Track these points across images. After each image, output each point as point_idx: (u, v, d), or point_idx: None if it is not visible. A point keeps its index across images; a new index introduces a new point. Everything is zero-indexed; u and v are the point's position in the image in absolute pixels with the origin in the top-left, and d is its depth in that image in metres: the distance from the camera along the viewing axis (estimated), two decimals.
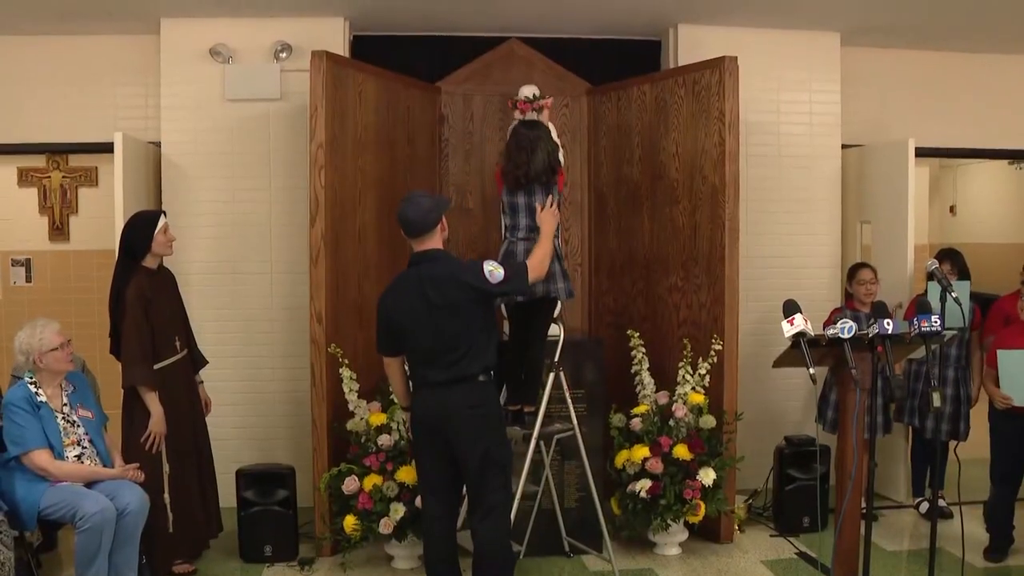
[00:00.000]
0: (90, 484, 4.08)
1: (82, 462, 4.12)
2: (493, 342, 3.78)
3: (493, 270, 3.73)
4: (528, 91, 4.71)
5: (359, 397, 4.69)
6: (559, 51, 5.84)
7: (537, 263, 3.95)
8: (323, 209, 4.73)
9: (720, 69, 4.96)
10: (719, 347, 4.87)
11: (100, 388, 4.99)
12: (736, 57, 4.95)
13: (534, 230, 4.34)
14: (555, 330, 4.61)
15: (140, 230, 4.40)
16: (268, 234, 5.61)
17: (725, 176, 4.94)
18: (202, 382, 4.77)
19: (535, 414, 4.42)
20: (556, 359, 4.52)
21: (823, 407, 5.38)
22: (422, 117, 5.55)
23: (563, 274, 4.42)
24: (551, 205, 4.31)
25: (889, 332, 3.51)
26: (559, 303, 4.53)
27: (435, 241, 3.77)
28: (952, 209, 10.41)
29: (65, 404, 4.18)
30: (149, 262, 4.42)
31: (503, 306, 4.55)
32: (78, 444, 4.14)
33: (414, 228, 3.74)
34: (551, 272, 4.27)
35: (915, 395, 5.36)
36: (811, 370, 3.39)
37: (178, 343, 4.50)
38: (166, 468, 4.37)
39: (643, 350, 5.00)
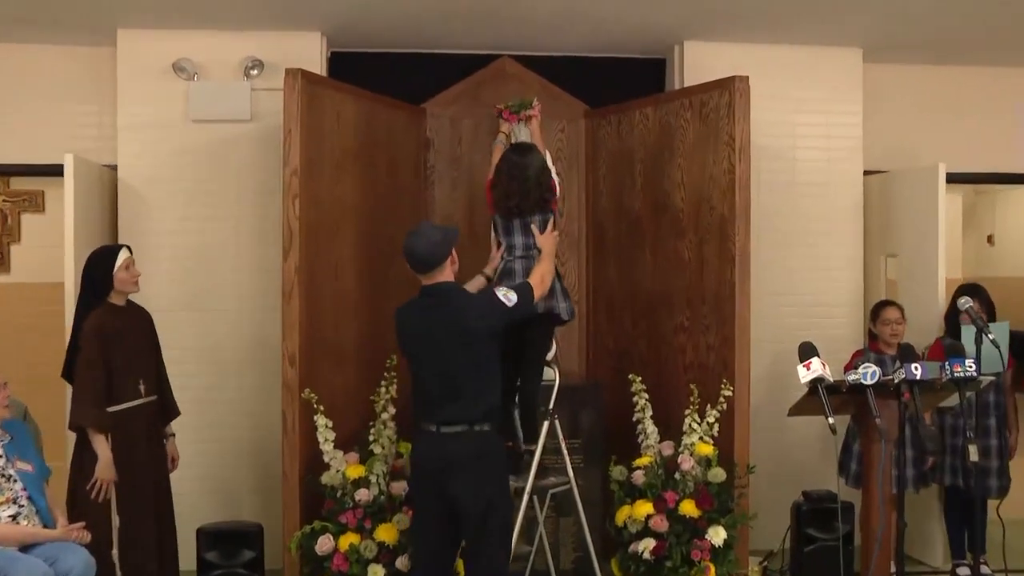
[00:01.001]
0: (27, 547, 3.97)
1: (18, 522, 4.04)
2: (498, 382, 3.90)
3: (507, 293, 3.92)
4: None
5: (335, 447, 4.69)
6: (555, 70, 5.91)
7: (539, 281, 4.16)
8: (297, 241, 4.75)
9: (730, 90, 5.00)
10: (729, 393, 4.88)
11: (43, 436, 4.97)
12: (747, 76, 5.00)
13: (532, 248, 4.53)
14: (550, 374, 4.65)
15: (98, 268, 4.44)
16: (236, 268, 5.63)
17: (735, 206, 4.98)
18: (172, 435, 4.79)
19: (532, 453, 4.46)
20: (551, 406, 4.54)
21: (845, 459, 5.37)
22: (406, 141, 5.59)
23: (564, 292, 4.56)
24: (551, 230, 4.49)
25: (917, 377, 3.51)
26: (551, 326, 4.62)
27: (445, 275, 3.90)
28: (990, 239, 10.38)
29: (0, 456, 4.14)
30: (115, 299, 4.47)
31: None
32: (14, 502, 4.07)
33: (423, 264, 3.86)
34: (552, 289, 4.43)
35: (951, 452, 5.29)
36: (831, 419, 3.41)
37: (143, 387, 4.50)
38: (116, 521, 4.32)
39: (646, 396, 5.00)
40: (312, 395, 4.64)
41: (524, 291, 4.02)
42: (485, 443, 3.83)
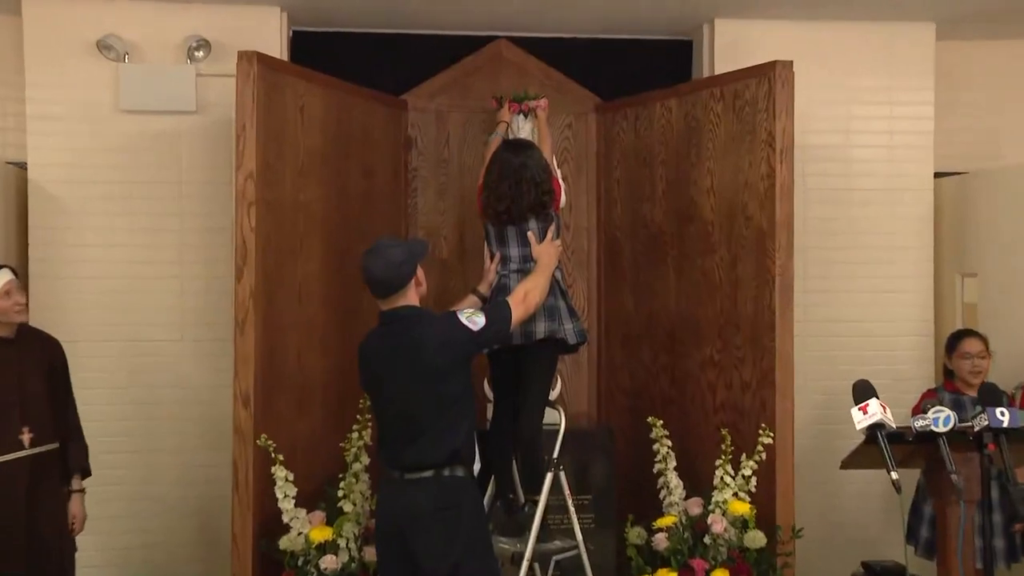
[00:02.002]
0: None
1: None
2: (466, 418, 3.96)
3: (471, 315, 3.96)
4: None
5: (297, 505, 4.65)
6: (560, 55, 5.97)
7: (520, 298, 4.19)
8: (253, 258, 4.73)
9: (769, 77, 4.99)
10: (769, 440, 4.86)
11: None
12: (791, 61, 5.00)
13: (530, 259, 4.58)
14: (554, 417, 4.69)
15: None
16: (177, 290, 5.61)
17: (775, 216, 4.97)
18: (79, 491, 4.78)
19: (535, 505, 4.48)
20: (554, 454, 4.55)
21: (914, 523, 5.32)
22: (384, 140, 5.61)
23: (570, 312, 4.61)
24: (551, 238, 4.55)
25: (1004, 424, 3.45)
26: (555, 354, 4.67)
27: (408, 298, 3.97)
28: None
29: None
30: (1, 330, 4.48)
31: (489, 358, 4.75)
32: None
33: (382, 287, 3.93)
34: (555, 309, 4.53)
35: None
36: (894, 474, 3.37)
37: (27, 436, 4.48)
38: None
39: (668, 443, 5.01)
40: (269, 442, 4.61)
41: (496, 312, 4.08)
42: (453, 491, 3.89)
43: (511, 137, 5.21)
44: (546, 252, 4.52)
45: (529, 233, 4.59)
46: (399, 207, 5.72)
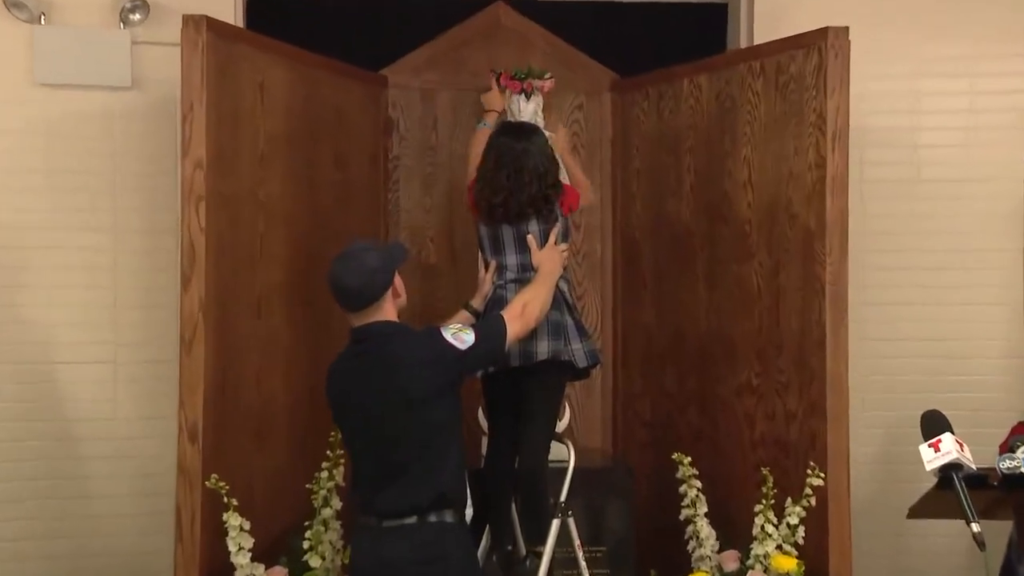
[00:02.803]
0: None
1: None
2: (455, 454, 3.97)
3: (457, 332, 3.99)
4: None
5: (254, 560, 4.63)
6: (569, 23, 5.99)
7: (518, 312, 4.20)
8: (203, 264, 4.71)
9: (820, 47, 4.96)
10: (819, 482, 4.79)
11: None
12: (846, 28, 4.96)
13: (530, 268, 4.61)
14: (562, 452, 4.69)
15: None
16: (111, 302, 5.59)
17: (826, 214, 4.95)
18: None
19: (537, 558, 4.49)
20: (562, 498, 4.56)
21: None
22: (360, 123, 5.63)
23: (579, 329, 4.67)
24: (555, 242, 4.61)
25: None
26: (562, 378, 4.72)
27: (384, 312, 3.98)
28: None
29: None
30: None
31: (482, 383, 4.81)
32: None
33: (354, 299, 3.96)
34: (560, 325, 4.57)
35: None
36: (975, 527, 3.32)
37: None
38: None
39: (698, 485, 4.97)
40: (221, 484, 4.55)
41: (488, 328, 4.13)
42: (440, 540, 3.89)
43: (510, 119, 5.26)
44: (548, 258, 4.55)
45: (529, 237, 4.61)
46: (377, 203, 5.75)
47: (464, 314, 4.70)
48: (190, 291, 4.71)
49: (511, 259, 4.66)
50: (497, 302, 4.58)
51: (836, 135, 4.93)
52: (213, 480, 4.56)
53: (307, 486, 4.78)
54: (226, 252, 4.84)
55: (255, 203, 5.01)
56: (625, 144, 5.88)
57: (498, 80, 5.40)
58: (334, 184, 5.44)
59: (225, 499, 4.55)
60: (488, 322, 4.20)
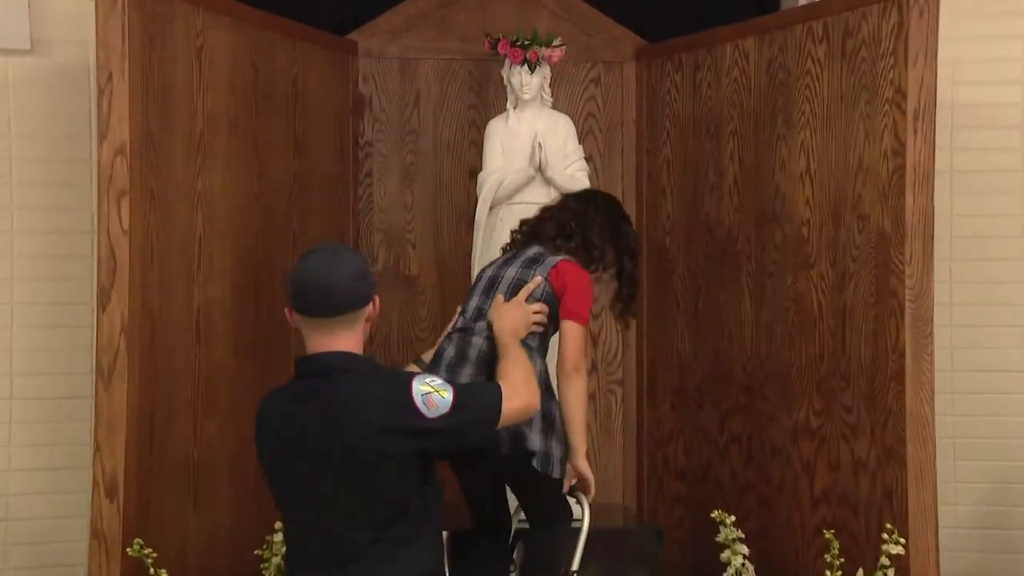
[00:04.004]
0: None
1: None
2: (423, 532, 3.76)
3: (431, 392, 3.71)
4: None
5: None
6: None
7: (520, 381, 4.03)
8: (125, 276, 4.67)
9: (899, 4, 4.93)
10: (899, 549, 4.72)
11: None
12: None
13: (484, 317, 4.56)
14: (575, 511, 4.69)
15: None
16: (6, 321, 5.58)
17: (905, 215, 4.93)
18: None
19: None
20: (574, 567, 4.52)
21: None
22: (322, 99, 5.67)
23: (544, 425, 4.46)
24: (526, 298, 4.48)
25: None
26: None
27: (352, 335, 3.78)
28: None
29: None
30: None
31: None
32: None
33: (329, 301, 3.71)
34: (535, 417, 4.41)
35: None
36: None
37: None
38: None
39: (744, 551, 4.97)
40: (147, 551, 4.52)
41: (475, 395, 3.92)
42: None
43: (515, 94, 5.41)
44: (507, 315, 4.42)
45: (510, 268, 4.59)
46: (346, 199, 5.81)
47: (414, 369, 4.61)
48: (110, 309, 4.66)
49: (474, 300, 4.60)
50: (437, 357, 4.55)
51: (920, 115, 4.90)
52: (137, 547, 4.51)
53: (255, 552, 4.78)
54: (155, 261, 4.81)
55: (192, 199, 5.01)
56: (652, 127, 5.92)
57: (495, 47, 5.44)
58: (291, 176, 5.46)
59: (152, 570, 4.49)
60: (478, 392, 3.98)
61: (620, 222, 4.75)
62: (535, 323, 4.49)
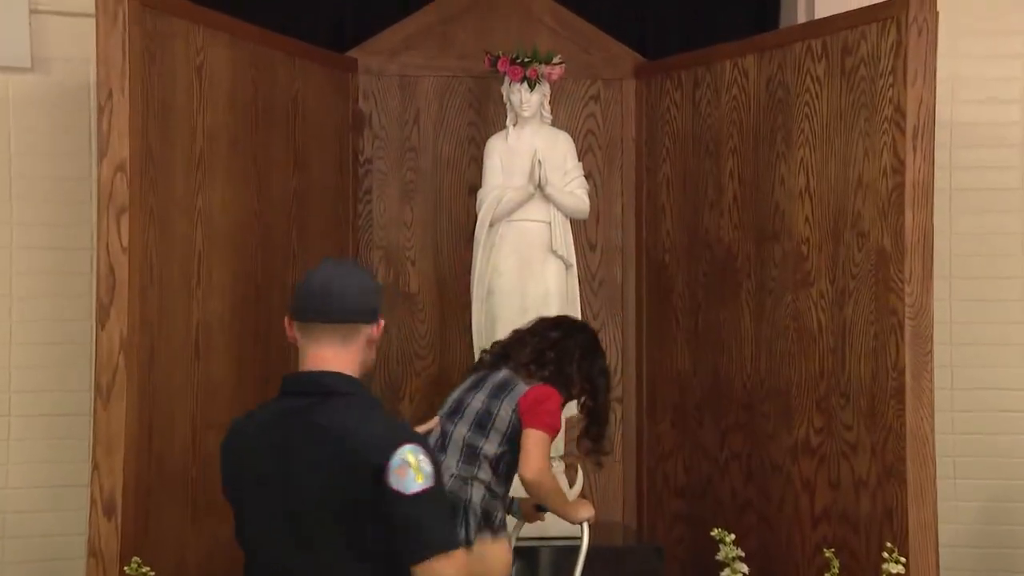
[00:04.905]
0: None
1: None
2: None
3: (412, 464, 3.36)
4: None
5: None
6: None
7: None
8: (125, 293, 4.66)
9: (899, 21, 4.95)
10: (899, 568, 4.68)
11: None
12: None
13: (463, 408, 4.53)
14: (572, 527, 4.69)
15: None
16: (3, 338, 5.57)
17: (905, 232, 4.94)
18: None
19: None
20: None
21: None
22: (322, 117, 5.69)
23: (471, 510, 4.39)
24: (498, 435, 4.40)
25: None
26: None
27: (346, 356, 3.58)
28: None
29: None
30: None
31: None
32: None
33: (338, 305, 3.52)
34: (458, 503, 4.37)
35: None
36: None
37: None
38: None
39: (744, 569, 4.84)
40: (145, 569, 4.47)
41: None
42: None
43: (514, 111, 5.39)
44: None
45: (479, 393, 4.50)
46: (345, 216, 5.81)
47: None
48: (109, 326, 4.65)
49: (441, 426, 4.53)
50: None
51: (919, 132, 4.92)
52: (135, 565, 4.46)
53: None
54: (155, 278, 4.81)
55: (191, 216, 5.00)
56: (652, 144, 5.93)
57: (495, 65, 5.44)
58: (290, 193, 5.47)
59: None
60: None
61: (599, 358, 4.70)
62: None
